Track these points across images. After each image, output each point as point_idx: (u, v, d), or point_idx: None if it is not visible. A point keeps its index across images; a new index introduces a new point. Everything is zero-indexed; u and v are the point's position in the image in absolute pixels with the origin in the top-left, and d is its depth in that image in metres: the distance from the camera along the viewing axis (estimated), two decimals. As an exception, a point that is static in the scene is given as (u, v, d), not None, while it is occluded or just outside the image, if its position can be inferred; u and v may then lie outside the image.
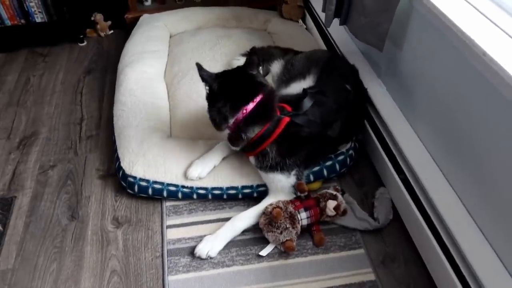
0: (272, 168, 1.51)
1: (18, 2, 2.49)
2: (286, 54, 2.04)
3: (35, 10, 2.56)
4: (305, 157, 1.55)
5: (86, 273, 1.45)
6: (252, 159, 1.56)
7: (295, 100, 1.56)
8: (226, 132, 1.51)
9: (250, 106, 1.44)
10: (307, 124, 1.50)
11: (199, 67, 1.51)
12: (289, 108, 1.53)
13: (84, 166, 1.84)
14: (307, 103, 1.53)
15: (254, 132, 1.46)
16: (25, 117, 2.11)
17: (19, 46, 2.60)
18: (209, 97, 1.52)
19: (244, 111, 1.44)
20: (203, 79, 1.50)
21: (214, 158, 1.63)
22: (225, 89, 1.48)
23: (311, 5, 2.56)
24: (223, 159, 1.66)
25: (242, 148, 1.53)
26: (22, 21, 2.58)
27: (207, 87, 1.51)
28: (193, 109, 1.88)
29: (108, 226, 1.60)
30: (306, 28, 2.55)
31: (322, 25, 2.36)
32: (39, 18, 2.59)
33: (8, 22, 2.58)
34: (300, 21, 2.59)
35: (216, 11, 2.59)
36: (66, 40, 2.63)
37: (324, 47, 2.30)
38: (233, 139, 1.50)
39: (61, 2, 2.53)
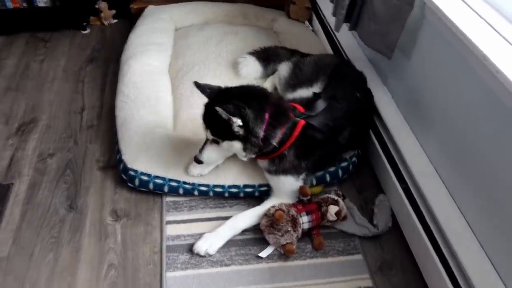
0: (285, 171, 1.50)
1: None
2: (293, 55, 2.04)
3: (38, -6, 2.52)
4: (316, 162, 1.56)
5: (83, 265, 1.44)
6: (263, 162, 1.55)
7: (308, 102, 1.56)
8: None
9: (268, 111, 1.43)
10: (323, 127, 1.50)
11: (225, 108, 1.36)
12: (300, 109, 1.53)
13: (84, 156, 1.81)
14: (321, 105, 1.54)
15: (277, 136, 1.45)
16: (24, 103, 2.08)
17: (20, 30, 2.55)
18: (244, 127, 1.40)
19: (266, 117, 1.42)
20: (233, 113, 1.36)
21: (219, 157, 1.62)
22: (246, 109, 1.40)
23: (319, 7, 2.56)
24: (227, 158, 1.65)
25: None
26: (25, 4, 2.54)
27: (239, 119, 1.38)
28: (197, 104, 1.85)
29: (107, 218, 1.58)
30: (313, 30, 2.55)
31: (329, 28, 2.36)
32: (42, 2, 2.55)
33: (10, 5, 2.54)
34: (307, 22, 2.58)
35: (223, 7, 2.57)
36: (68, 26, 2.59)
37: (330, 50, 2.30)
38: (264, 149, 1.46)
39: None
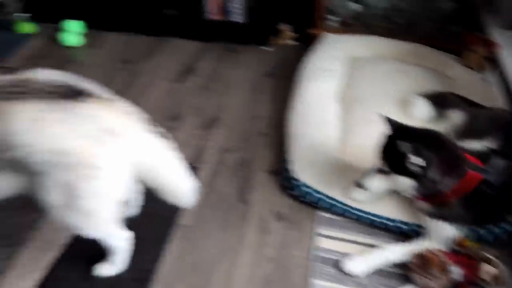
0: (446, 218, 1.55)
1: (224, 1, 2.91)
2: (467, 104, 2.04)
3: (235, 11, 2.95)
4: (480, 217, 1.56)
5: (245, 250, 1.69)
6: (424, 204, 1.61)
7: (480, 155, 1.58)
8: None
9: (446, 158, 1.49)
10: (496, 184, 1.51)
11: (410, 145, 1.46)
12: (475, 160, 1.56)
13: (256, 158, 2.09)
14: (495, 161, 1.54)
15: (450, 184, 1.50)
16: (212, 102, 2.47)
17: (215, 39, 3.01)
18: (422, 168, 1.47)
19: (444, 163, 1.48)
20: (416, 153, 1.45)
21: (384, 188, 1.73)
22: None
23: (499, 58, 2.47)
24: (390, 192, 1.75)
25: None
26: (221, 17, 2.99)
27: (420, 159, 1.46)
28: (365, 134, 1.95)
29: (269, 217, 1.82)
30: (488, 81, 2.47)
31: (508, 82, 2.27)
32: (236, 18, 2.98)
33: (210, 16, 3.01)
34: (484, 72, 2.52)
35: (398, 44, 2.66)
36: (254, 42, 2.97)
37: (506, 105, 2.22)
38: (433, 193, 1.53)
39: (256, 8, 2.87)
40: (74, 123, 1.15)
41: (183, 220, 1.79)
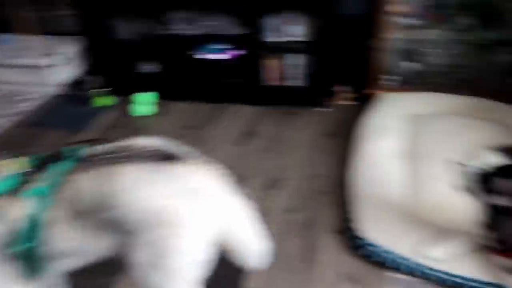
0: None
1: (282, 68, 3.08)
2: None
3: (292, 76, 3.11)
4: None
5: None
6: (506, 261, 1.49)
7: None
8: None
9: None
10: None
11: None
12: None
13: (320, 218, 2.07)
14: None
15: None
16: (274, 163, 2.52)
17: (273, 103, 3.15)
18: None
19: None
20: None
21: (462, 245, 1.62)
22: None
23: None
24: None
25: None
26: (279, 83, 3.15)
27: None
28: (442, 193, 1.88)
29: (337, 278, 1.75)
30: None
31: None
32: (294, 82, 3.12)
33: (267, 82, 3.18)
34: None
35: (460, 100, 2.63)
36: (311, 104, 3.07)
37: None
38: None
39: (314, 72, 3.01)
40: (166, 183, 1.22)
41: (251, 283, 1.77)
